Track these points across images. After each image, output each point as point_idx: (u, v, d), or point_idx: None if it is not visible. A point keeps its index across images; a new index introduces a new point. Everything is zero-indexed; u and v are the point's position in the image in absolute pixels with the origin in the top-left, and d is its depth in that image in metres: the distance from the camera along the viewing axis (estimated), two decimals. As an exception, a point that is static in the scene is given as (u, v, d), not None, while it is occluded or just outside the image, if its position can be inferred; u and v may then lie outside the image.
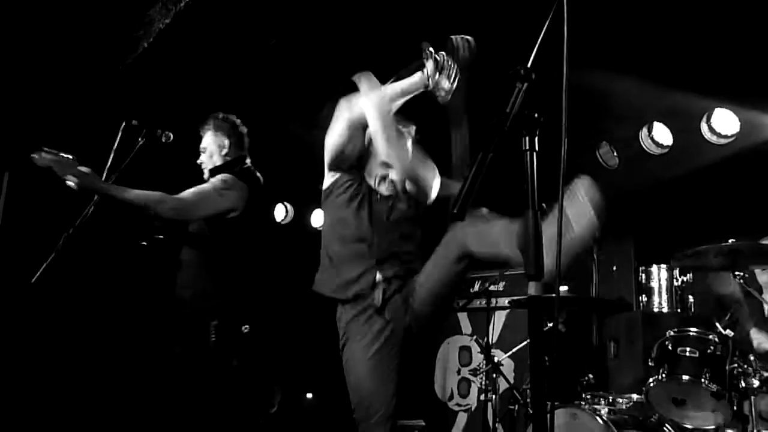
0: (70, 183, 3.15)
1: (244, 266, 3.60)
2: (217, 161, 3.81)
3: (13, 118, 5.49)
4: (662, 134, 5.43)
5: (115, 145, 3.54)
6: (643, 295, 5.06)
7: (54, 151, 3.19)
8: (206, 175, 3.83)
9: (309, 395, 6.91)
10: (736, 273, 3.77)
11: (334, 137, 2.88)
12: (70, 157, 3.20)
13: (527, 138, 1.39)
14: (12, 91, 5.24)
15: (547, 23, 1.45)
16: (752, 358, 3.49)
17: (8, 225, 5.88)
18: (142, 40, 4.43)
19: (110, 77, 4.90)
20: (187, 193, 3.45)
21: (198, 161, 3.86)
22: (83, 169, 3.16)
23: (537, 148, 1.40)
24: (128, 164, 3.51)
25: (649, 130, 5.48)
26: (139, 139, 3.59)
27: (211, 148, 3.81)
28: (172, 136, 3.67)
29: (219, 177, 3.63)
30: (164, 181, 3.50)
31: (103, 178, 3.35)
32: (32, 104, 5.38)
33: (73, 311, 5.40)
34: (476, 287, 6.59)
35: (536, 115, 1.39)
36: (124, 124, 3.57)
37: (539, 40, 1.44)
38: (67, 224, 3.39)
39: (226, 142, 3.81)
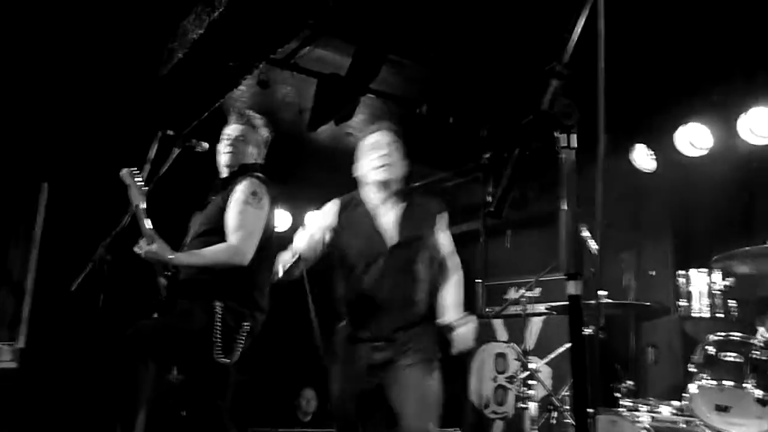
0: (136, 250, 3.22)
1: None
2: (251, 158, 3.62)
3: (52, 130, 5.61)
4: (701, 135, 5.33)
5: (152, 155, 3.57)
6: (683, 300, 4.96)
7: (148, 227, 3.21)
8: (223, 174, 3.59)
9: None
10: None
11: None
12: (150, 227, 3.21)
13: (563, 136, 1.37)
14: (51, 102, 5.36)
15: (582, 18, 1.43)
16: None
17: (48, 234, 6.00)
18: (177, 51, 4.49)
19: (147, 88, 4.98)
20: (238, 227, 3.30)
21: (226, 150, 3.57)
22: (153, 247, 3.17)
23: (574, 145, 1.38)
24: (164, 174, 3.55)
25: (686, 132, 5.38)
26: (174, 149, 3.61)
27: (249, 140, 3.62)
28: (207, 146, 3.68)
29: (247, 186, 3.42)
30: (197, 191, 3.54)
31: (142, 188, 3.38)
32: (70, 116, 5.49)
33: (110, 319, 5.48)
34: (511, 294, 6.53)
35: (572, 111, 1.37)
36: (160, 134, 3.60)
37: (574, 35, 1.42)
38: (105, 233, 3.44)
39: (254, 136, 3.65)
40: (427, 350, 3.03)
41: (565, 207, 1.38)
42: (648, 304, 4.64)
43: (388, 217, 3.21)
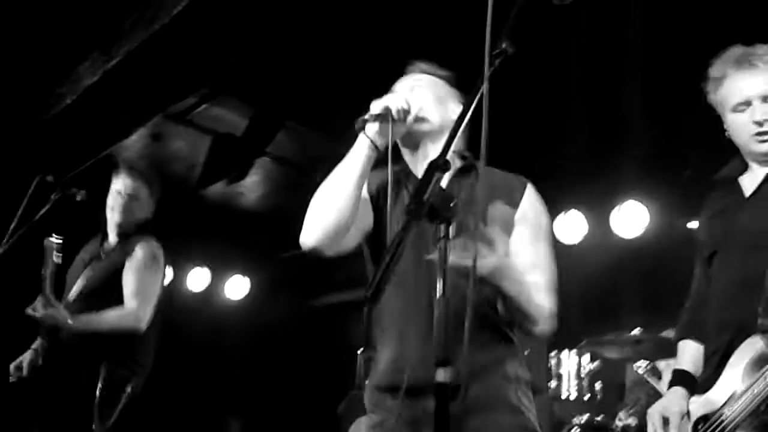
0: (30, 312, 3.14)
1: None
2: (142, 215, 3.52)
3: None
4: (576, 223, 5.63)
5: (26, 199, 3.45)
6: (554, 381, 5.14)
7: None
8: (114, 232, 3.48)
9: None
10: (639, 363, 3.90)
11: None
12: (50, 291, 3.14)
13: (442, 226, 1.43)
14: None
15: (467, 114, 1.52)
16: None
17: None
18: (66, 96, 4.35)
19: (30, 131, 4.78)
20: (137, 292, 3.27)
21: (118, 208, 3.46)
22: (51, 311, 3.10)
23: (451, 236, 1.44)
24: (39, 220, 3.42)
25: (564, 219, 5.68)
26: (52, 196, 3.49)
27: (141, 197, 3.51)
28: (86, 194, 3.56)
29: (146, 249, 3.39)
30: (73, 240, 3.39)
31: (9, 231, 3.28)
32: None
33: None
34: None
35: (453, 203, 1.43)
36: (38, 179, 3.48)
37: (455, 130, 1.51)
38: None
39: (147, 193, 3.56)
40: None
41: (439, 293, 1.43)
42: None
43: None
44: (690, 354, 2.32)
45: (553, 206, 5.63)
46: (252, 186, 5.89)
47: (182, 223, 6.04)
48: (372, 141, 1.91)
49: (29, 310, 3.15)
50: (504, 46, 1.59)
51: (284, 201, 6.04)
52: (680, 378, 2.28)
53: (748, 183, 2.26)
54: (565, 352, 5.10)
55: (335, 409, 5.29)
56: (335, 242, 1.94)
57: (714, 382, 2.13)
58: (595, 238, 5.56)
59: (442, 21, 3.74)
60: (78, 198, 3.54)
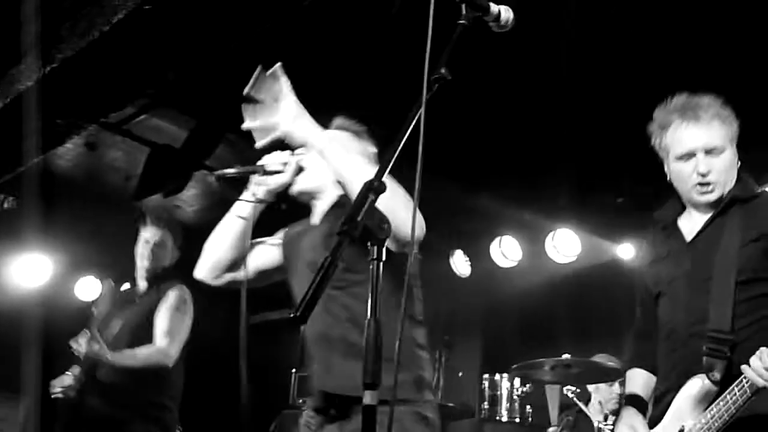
0: (74, 345, 3.40)
1: None
2: (165, 262, 3.76)
3: None
4: (512, 248, 5.74)
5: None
6: (486, 403, 5.20)
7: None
8: (144, 278, 3.74)
9: None
10: (569, 387, 3.98)
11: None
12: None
13: (375, 248, 1.43)
14: None
15: (403, 138, 1.53)
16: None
17: None
18: (-4, 98, 4.21)
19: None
20: (168, 332, 3.53)
21: (147, 256, 3.73)
22: (95, 347, 3.37)
23: (384, 258, 1.44)
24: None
25: (500, 244, 5.78)
26: (-23, 202, 3.38)
27: (167, 244, 3.76)
28: (14, 201, 3.48)
29: (177, 294, 3.64)
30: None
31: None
32: None
33: None
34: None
35: (385, 225, 1.44)
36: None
37: (393, 154, 1.51)
38: None
39: (172, 241, 3.82)
40: None
41: (370, 316, 1.43)
42: (452, 405, 4.80)
43: None
44: (640, 380, 2.46)
45: (489, 231, 5.79)
46: (189, 199, 5.79)
47: (118, 235, 5.91)
48: (246, 199, 2.26)
49: (73, 343, 3.42)
50: (443, 71, 1.61)
51: (222, 215, 5.94)
52: (632, 400, 2.42)
53: (687, 228, 2.36)
54: (497, 375, 5.17)
55: (268, 427, 5.22)
56: (218, 277, 2.33)
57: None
58: (530, 263, 5.67)
59: (381, 43, 3.79)
60: (5, 206, 3.49)
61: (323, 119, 2.18)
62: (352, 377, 1.80)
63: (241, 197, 2.29)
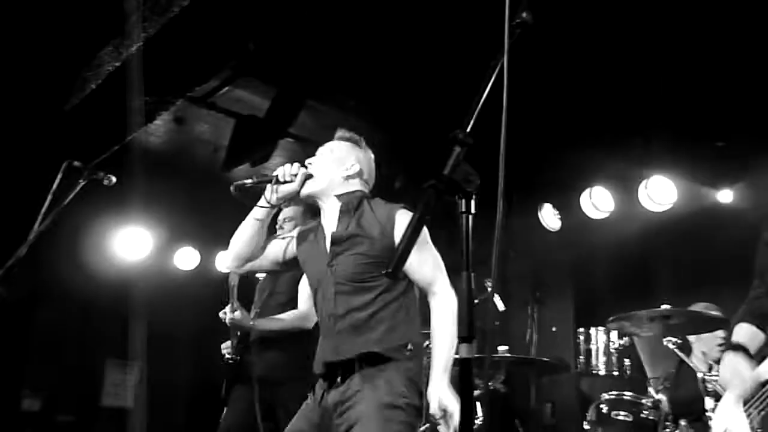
0: (222, 316, 3.67)
1: None
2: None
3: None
4: (603, 198, 5.57)
5: (55, 185, 3.47)
6: (582, 357, 5.12)
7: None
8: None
9: None
10: (669, 338, 3.85)
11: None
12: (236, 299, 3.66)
13: (463, 201, 1.41)
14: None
15: (487, 87, 1.48)
16: (683, 423, 3.53)
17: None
18: (90, 81, 4.38)
19: (55, 116, 4.82)
20: (308, 297, 3.63)
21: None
22: (237, 315, 3.63)
23: (473, 211, 1.42)
24: (67, 205, 3.44)
25: (591, 195, 5.62)
26: (80, 181, 3.51)
27: (297, 222, 3.88)
28: (114, 179, 3.59)
29: None
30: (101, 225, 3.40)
31: (40, 218, 3.30)
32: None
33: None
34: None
35: (472, 177, 1.42)
36: (65, 164, 3.50)
37: (478, 104, 1.48)
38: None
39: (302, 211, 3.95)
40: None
41: (465, 269, 1.41)
42: (547, 360, 4.75)
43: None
44: (749, 332, 2.46)
45: (579, 182, 5.63)
46: (276, 167, 5.89)
47: (206, 206, 6.10)
48: (262, 205, 2.62)
49: (221, 313, 3.67)
50: (524, 15, 1.55)
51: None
52: (737, 347, 2.43)
53: None
54: (592, 329, 5.07)
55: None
56: (240, 266, 2.73)
57: None
58: (623, 213, 5.49)
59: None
60: (105, 183, 3.58)
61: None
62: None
63: (258, 204, 2.65)
